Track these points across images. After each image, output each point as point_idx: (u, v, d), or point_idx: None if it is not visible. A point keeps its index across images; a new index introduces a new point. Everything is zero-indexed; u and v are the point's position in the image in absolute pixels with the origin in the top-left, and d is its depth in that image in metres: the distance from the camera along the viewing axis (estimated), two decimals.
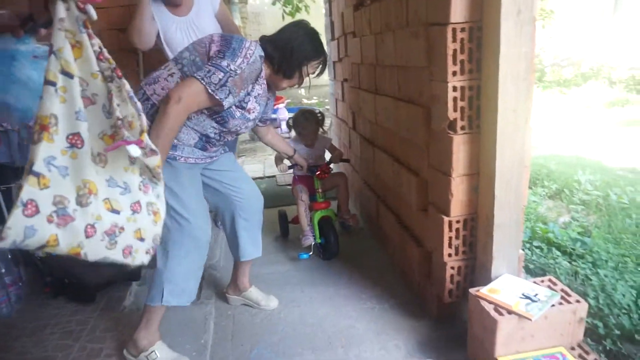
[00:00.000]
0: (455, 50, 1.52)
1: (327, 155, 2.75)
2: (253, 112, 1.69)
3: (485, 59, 1.51)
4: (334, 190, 2.74)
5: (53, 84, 0.88)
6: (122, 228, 1.06)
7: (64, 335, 1.92)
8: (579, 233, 2.24)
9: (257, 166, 4.97)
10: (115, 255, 1.05)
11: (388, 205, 2.45)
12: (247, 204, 1.91)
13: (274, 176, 4.33)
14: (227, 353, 1.79)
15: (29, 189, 0.87)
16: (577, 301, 1.48)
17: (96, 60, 0.97)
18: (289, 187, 3.08)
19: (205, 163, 1.77)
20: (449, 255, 1.72)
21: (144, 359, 1.68)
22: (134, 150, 1.01)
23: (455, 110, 1.57)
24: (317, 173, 2.49)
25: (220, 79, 1.49)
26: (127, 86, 1.02)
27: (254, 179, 2.22)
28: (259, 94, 1.69)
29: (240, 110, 1.65)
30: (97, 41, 0.97)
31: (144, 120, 1.05)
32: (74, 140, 0.94)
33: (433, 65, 1.65)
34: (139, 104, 1.05)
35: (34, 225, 0.87)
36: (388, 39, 2.10)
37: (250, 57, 1.56)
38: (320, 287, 2.24)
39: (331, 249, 2.46)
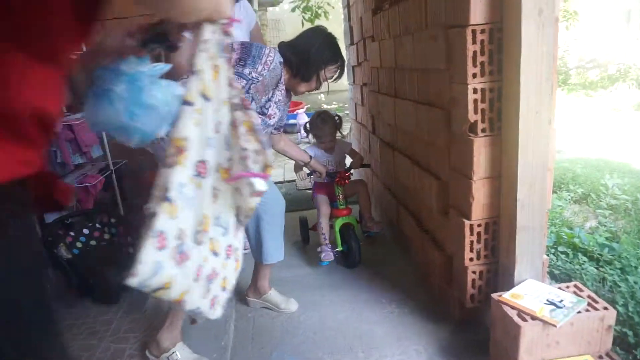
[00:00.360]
0: (475, 52, 1.51)
1: (348, 160, 2.73)
2: (273, 117, 1.72)
3: (506, 60, 1.49)
4: (355, 196, 2.71)
5: (191, 104, 0.82)
6: (217, 274, 0.93)
7: (89, 336, 1.96)
8: (606, 238, 2.18)
9: (277, 171, 5.00)
10: (204, 307, 0.90)
11: (408, 209, 2.43)
12: (270, 207, 1.93)
13: (294, 180, 4.36)
14: (247, 355, 1.80)
15: (163, 218, 0.75)
16: (605, 308, 1.44)
17: (228, 88, 0.89)
18: (309, 191, 3.08)
19: None
20: (470, 259, 1.70)
21: (165, 359, 1.71)
22: (260, 184, 0.92)
23: (475, 112, 1.55)
24: (337, 180, 2.48)
25: (242, 87, 1.52)
26: (255, 118, 0.94)
27: (274, 183, 2.23)
28: (279, 100, 1.72)
29: (261, 116, 1.67)
30: (231, 68, 0.90)
31: (269, 155, 0.96)
32: (201, 169, 0.84)
33: (453, 67, 1.64)
34: (264, 138, 0.96)
35: (161, 262, 0.74)
36: (407, 42, 2.09)
37: (271, 63, 1.59)
38: (340, 290, 2.24)
39: (353, 256, 2.42)
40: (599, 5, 10.19)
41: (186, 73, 0.83)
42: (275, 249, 2.00)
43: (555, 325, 1.37)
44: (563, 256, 2.07)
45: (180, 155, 0.79)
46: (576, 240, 2.15)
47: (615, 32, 9.78)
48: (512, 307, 1.47)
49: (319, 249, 2.46)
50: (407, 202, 2.46)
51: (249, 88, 1.53)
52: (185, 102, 0.81)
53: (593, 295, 1.51)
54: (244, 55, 1.57)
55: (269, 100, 1.68)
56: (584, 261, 1.99)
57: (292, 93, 1.91)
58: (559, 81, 9.25)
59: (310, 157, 2.27)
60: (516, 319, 1.41)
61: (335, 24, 4.27)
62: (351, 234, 2.47)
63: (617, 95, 7.56)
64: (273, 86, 1.66)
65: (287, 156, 2.20)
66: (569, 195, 2.98)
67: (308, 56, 1.69)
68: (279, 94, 1.71)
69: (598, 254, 2.04)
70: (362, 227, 2.69)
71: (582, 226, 2.46)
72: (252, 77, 1.53)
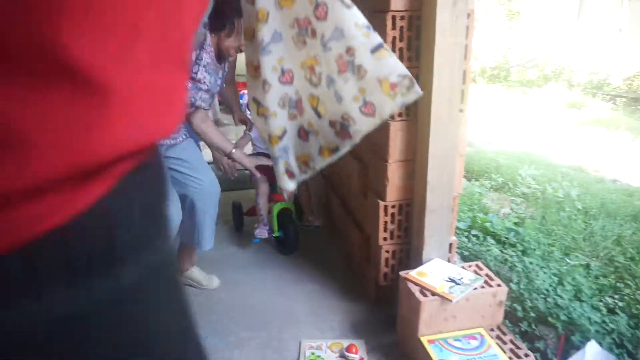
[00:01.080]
0: (394, 38, 1.55)
1: None
2: (204, 82, 1.70)
3: (423, 47, 1.54)
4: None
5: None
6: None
7: None
8: (514, 223, 2.35)
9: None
10: None
11: (337, 192, 2.48)
12: (205, 195, 1.87)
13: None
14: None
15: None
16: (498, 285, 1.56)
17: None
18: (246, 171, 3.01)
19: (166, 146, 1.74)
20: (384, 239, 1.77)
21: None
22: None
23: None
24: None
25: None
26: None
27: (209, 163, 2.16)
28: (207, 63, 1.70)
29: (191, 81, 1.65)
30: None
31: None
32: None
33: None
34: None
35: None
36: None
37: None
38: (265, 269, 2.26)
39: (290, 243, 2.33)
40: (541, 7, 10.75)
41: None
42: (207, 236, 1.94)
43: (451, 300, 1.47)
44: (474, 239, 2.21)
45: None
46: (488, 224, 2.30)
47: (563, 28, 10.33)
48: (416, 284, 1.55)
49: (255, 225, 2.36)
50: (336, 186, 2.51)
51: None
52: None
53: (490, 273, 1.63)
54: None
55: (197, 64, 1.66)
56: (492, 244, 2.14)
57: (227, 59, 1.88)
58: (500, 77, 9.71)
59: (234, 148, 1.93)
60: (418, 294, 1.50)
61: None
62: (289, 220, 2.35)
63: (549, 93, 8.05)
64: (197, 47, 1.63)
65: (204, 139, 1.88)
66: (489, 183, 3.17)
67: (222, 3, 1.66)
68: (207, 57, 1.69)
69: (505, 237, 2.20)
70: (304, 222, 2.52)
71: (497, 212, 2.63)
72: None
